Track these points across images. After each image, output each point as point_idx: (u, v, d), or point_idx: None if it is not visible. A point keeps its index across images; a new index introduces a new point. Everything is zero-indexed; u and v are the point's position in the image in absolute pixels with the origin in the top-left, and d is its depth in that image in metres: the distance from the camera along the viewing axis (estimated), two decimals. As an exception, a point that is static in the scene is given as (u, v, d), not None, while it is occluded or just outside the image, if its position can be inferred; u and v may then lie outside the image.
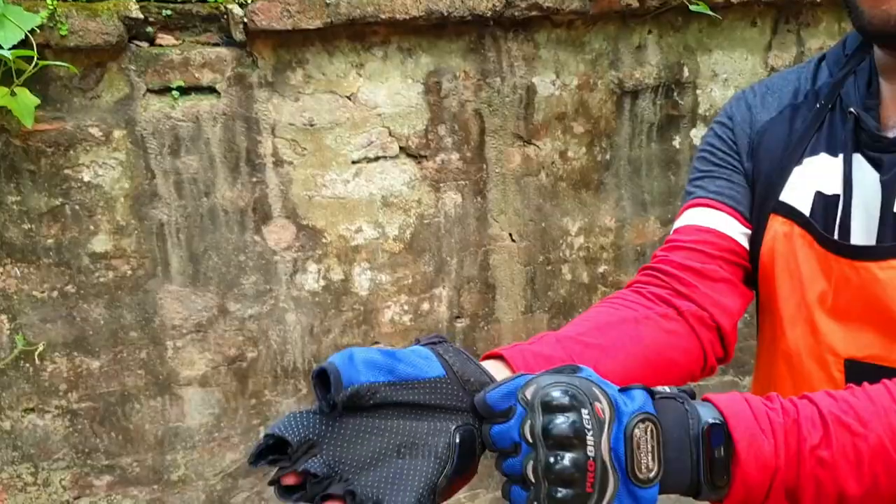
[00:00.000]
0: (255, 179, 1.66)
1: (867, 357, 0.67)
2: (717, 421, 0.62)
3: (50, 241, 1.53)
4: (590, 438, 0.57)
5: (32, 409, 1.58)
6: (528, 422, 0.57)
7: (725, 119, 1.04)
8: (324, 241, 1.76)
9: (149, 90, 1.54)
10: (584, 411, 0.57)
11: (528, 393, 0.59)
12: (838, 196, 0.90)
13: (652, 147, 2.07)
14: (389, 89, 1.72)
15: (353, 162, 1.74)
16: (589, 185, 2.01)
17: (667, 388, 0.63)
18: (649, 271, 0.94)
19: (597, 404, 0.58)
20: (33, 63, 1.36)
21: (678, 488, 0.62)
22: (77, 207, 1.54)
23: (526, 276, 2.01)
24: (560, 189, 1.98)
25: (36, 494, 1.62)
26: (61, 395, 1.60)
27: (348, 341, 1.83)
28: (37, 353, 1.56)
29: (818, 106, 0.96)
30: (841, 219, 0.89)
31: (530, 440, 0.57)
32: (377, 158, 1.76)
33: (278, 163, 1.67)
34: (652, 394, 0.62)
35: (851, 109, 0.91)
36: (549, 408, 0.57)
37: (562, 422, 0.56)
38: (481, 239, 1.93)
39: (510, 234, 1.96)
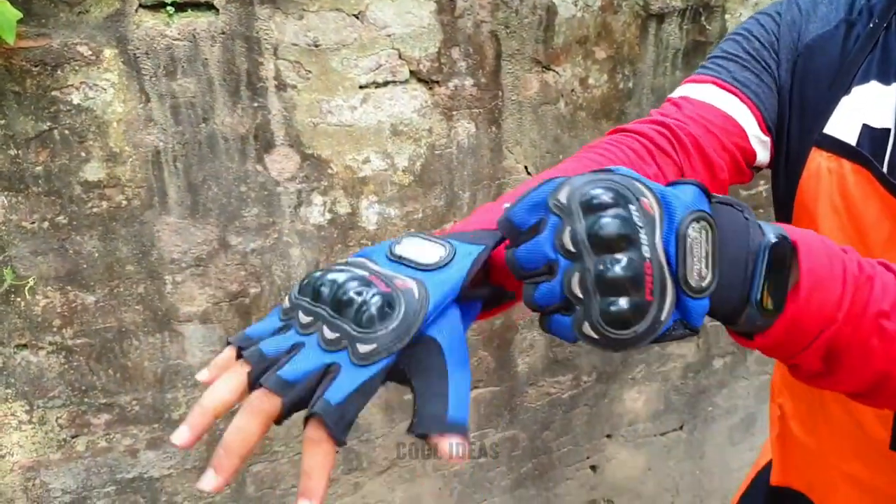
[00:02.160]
0: (256, 104, 1.55)
1: None
2: (786, 241, 0.52)
3: (38, 168, 1.43)
4: (643, 237, 0.47)
5: (25, 346, 1.51)
6: (567, 228, 0.48)
7: (773, 13, 0.90)
8: (329, 171, 1.66)
9: (141, 5, 1.43)
10: (632, 207, 0.47)
11: (562, 196, 0.48)
12: (888, 130, 0.79)
13: (676, 75, 1.95)
14: (399, 7, 1.60)
15: (361, 87, 1.63)
16: (609, 115, 1.90)
17: (720, 196, 0.53)
18: (663, 130, 0.81)
19: (643, 199, 0.48)
20: (13, -29, 1.25)
21: (723, 306, 0.52)
22: (67, 132, 1.44)
23: (541, 211, 1.92)
24: (579, 119, 1.87)
25: (32, 433, 1.56)
26: (55, 331, 1.53)
27: (355, 277, 1.75)
28: (27, 288, 1.48)
29: (871, 25, 0.84)
30: (891, 157, 0.79)
31: (572, 249, 0.47)
32: (386, 83, 1.65)
33: (281, 86, 1.56)
34: (707, 194, 0.52)
35: None
36: (591, 208, 0.47)
37: (609, 221, 0.47)
38: (495, 172, 1.83)
39: (525, 167, 1.86)
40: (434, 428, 0.47)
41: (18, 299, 1.48)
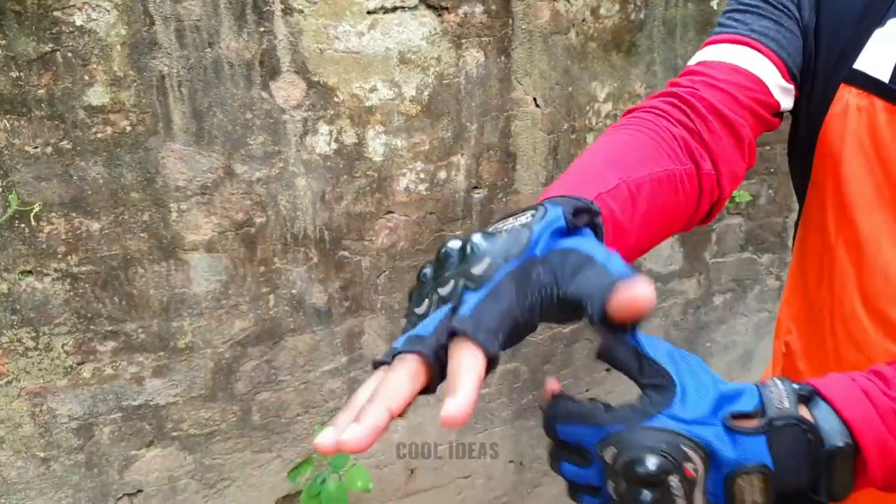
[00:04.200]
0: (262, 29, 1.52)
1: None
2: (846, 444, 0.53)
3: (41, 91, 1.40)
4: (680, 501, 0.51)
5: (30, 272, 1.50)
6: (611, 482, 0.51)
7: None
8: (336, 100, 1.63)
9: (144, -77, 1.38)
10: (673, 479, 0.50)
11: (608, 455, 0.51)
12: None
13: (689, 7, 1.91)
14: (410, -70, 1.55)
15: (369, 12, 1.59)
16: (620, 47, 1.87)
17: (785, 402, 0.52)
18: (674, 101, 0.79)
19: (687, 466, 0.50)
20: None
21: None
22: (70, 55, 1.40)
23: (548, 144, 1.90)
24: (590, 50, 1.83)
25: (38, 359, 1.56)
26: (60, 258, 1.51)
27: (361, 209, 1.74)
28: (32, 214, 1.46)
29: None
30: None
31: (614, 497, 0.52)
32: (394, 9, 1.61)
33: (287, 10, 1.52)
34: (770, 422, 0.52)
35: None
36: (633, 479, 0.50)
37: (649, 496, 0.50)
38: (503, 103, 1.81)
39: (534, 99, 1.83)
40: (606, 290, 0.50)
41: (23, 225, 1.47)
